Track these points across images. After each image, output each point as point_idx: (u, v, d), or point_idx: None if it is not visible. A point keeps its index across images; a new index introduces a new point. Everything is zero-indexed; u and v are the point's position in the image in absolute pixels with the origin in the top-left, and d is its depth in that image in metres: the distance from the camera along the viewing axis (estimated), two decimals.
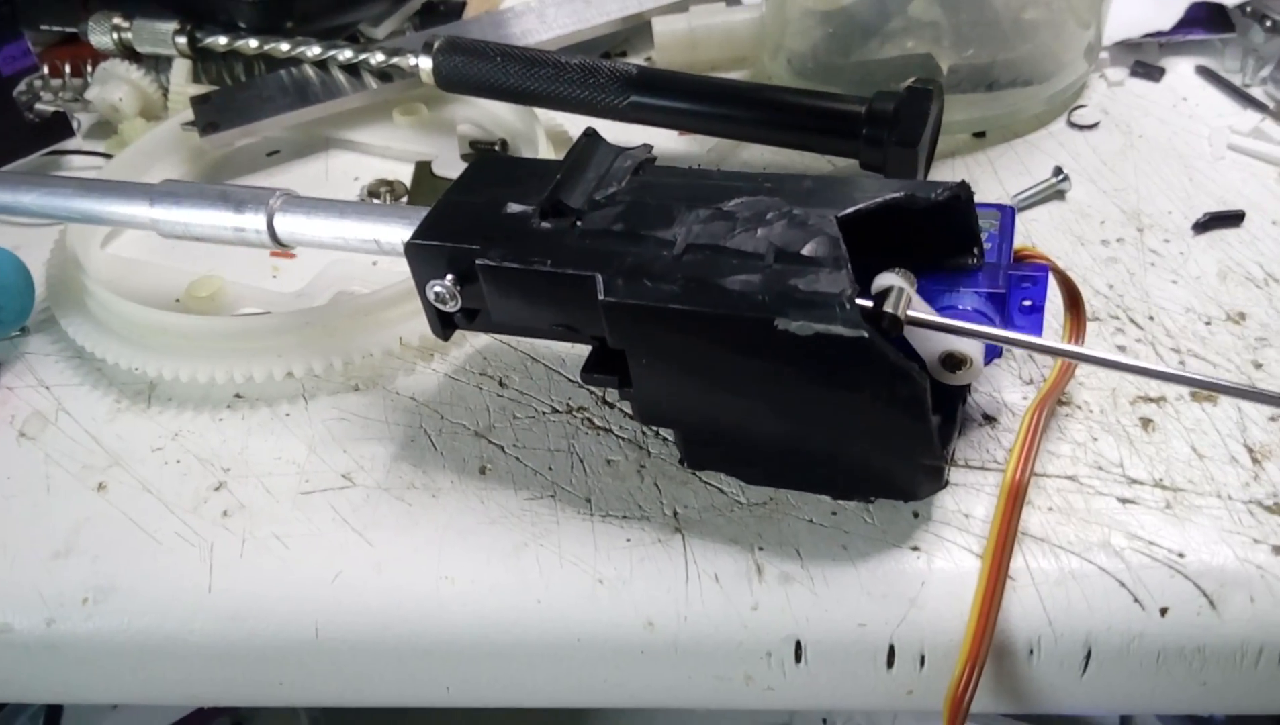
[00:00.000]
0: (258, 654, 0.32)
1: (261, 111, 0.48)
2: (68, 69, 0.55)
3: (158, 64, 0.53)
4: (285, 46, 0.50)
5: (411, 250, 0.31)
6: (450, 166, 0.47)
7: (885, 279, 0.27)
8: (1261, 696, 0.30)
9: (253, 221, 0.35)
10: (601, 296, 0.28)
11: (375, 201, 0.46)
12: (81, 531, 0.34)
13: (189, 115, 0.49)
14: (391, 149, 0.50)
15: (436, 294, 0.31)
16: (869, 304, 0.27)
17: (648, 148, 0.33)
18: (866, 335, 0.26)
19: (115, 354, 0.38)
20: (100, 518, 0.34)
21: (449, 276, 0.31)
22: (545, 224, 0.30)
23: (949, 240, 0.31)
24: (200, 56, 0.52)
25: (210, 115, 0.48)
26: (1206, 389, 0.30)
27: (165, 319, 0.37)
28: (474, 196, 0.32)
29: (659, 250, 0.29)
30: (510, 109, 0.48)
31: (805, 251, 0.28)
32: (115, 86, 0.52)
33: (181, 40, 0.51)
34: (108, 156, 0.51)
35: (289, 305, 0.40)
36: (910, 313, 0.27)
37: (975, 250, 0.31)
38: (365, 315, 0.37)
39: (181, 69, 0.52)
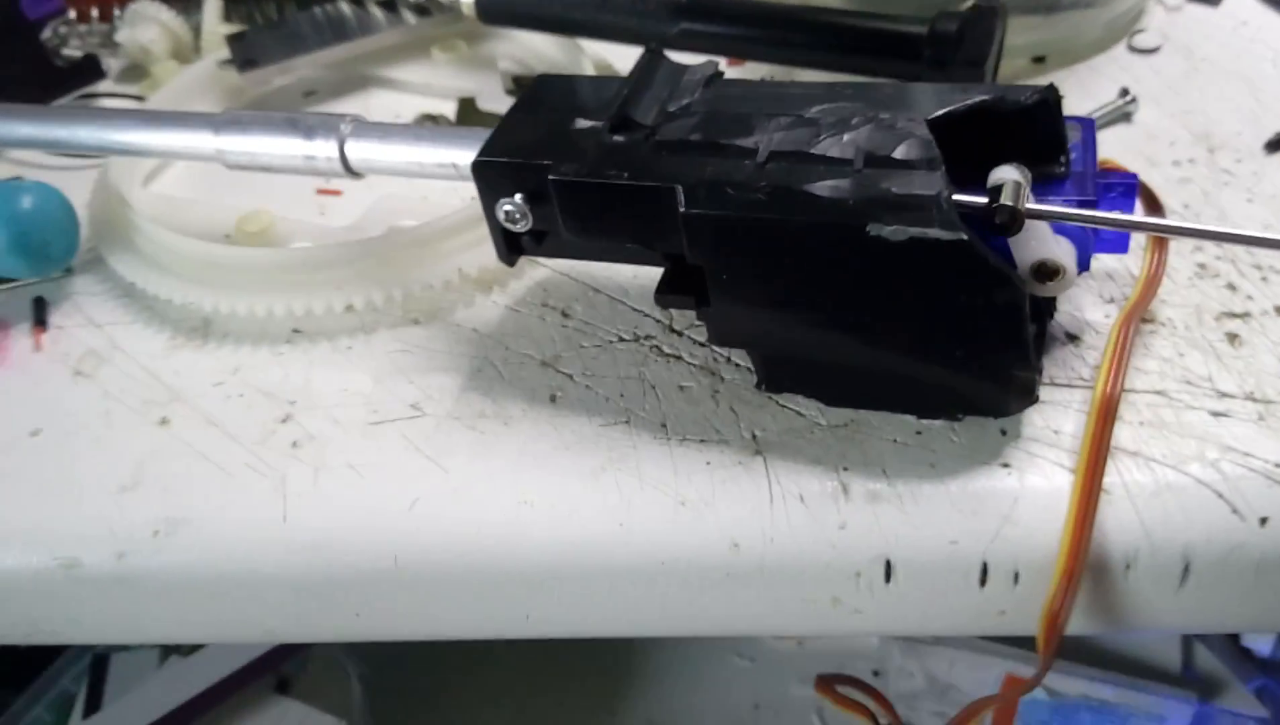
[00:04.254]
0: (335, 584, 0.31)
1: (299, 48, 0.47)
2: (95, 13, 0.54)
3: (187, 5, 0.52)
4: None
5: (479, 168, 0.30)
6: (495, 102, 0.46)
7: (1002, 173, 0.26)
8: None
9: (323, 149, 0.34)
10: (683, 208, 0.28)
11: None
12: (147, 465, 0.33)
13: (224, 54, 0.47)
14: (432, 86, 0.49)
15: (507, 213, 0.30)
16: (982, 200, 0.26)
17: (714, 63, 0.32)
18: (965, 237, 0.25)
19: (169, 290, 0.37)
20: (166, 451, 0.33)
21: (519, 195, 0.30)
22: (617, 138, 0.30)
23: (1034, 148, 0.30)
24: None
25: (248, 52, 0.47)
26: None
27: (222, 252, 0.37)
28: (539, 114, 0.32)
29: (740, 159, 0.28)
30: (553, 43, 0.47)
31: (896, 154, 0.27)
32: (146, 28, 0.50)
33: None
34: (140, 99, 0.50)
35: (341, 239, 0.39)
36: (1030, 206, 0.26)
37: (1062, 158, 0.30)
38: (423, 246, 0.37)
39: (213, 8, 0.51)
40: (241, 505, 0.32)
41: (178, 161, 0.46)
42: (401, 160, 0.34)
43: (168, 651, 0.57)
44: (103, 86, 0.51)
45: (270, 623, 0.33)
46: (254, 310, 0.36)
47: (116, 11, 0.54)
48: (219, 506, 0.32)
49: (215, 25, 0.51)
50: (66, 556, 0.31)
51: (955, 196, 0.27)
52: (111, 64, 0.53)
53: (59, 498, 0.32)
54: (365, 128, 0.34)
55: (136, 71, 0.52)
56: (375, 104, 0.49)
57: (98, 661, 0.58)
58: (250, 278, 0.36)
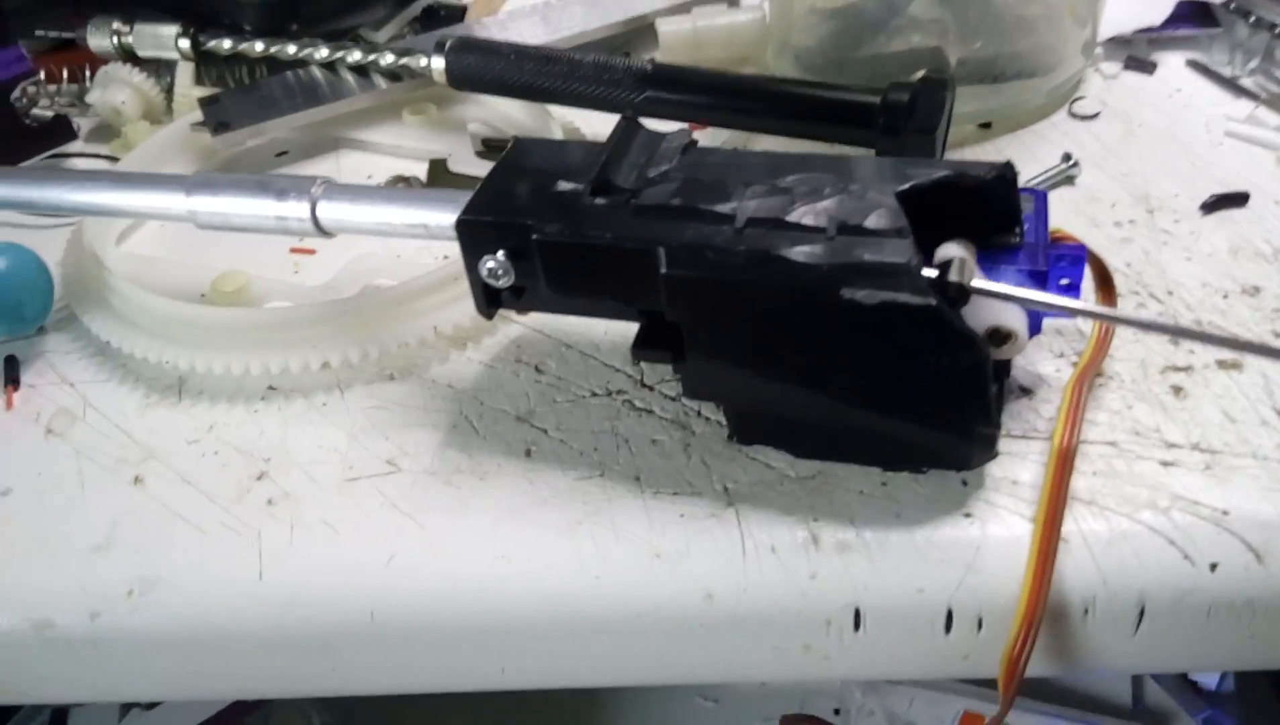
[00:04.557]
0: (312, 641, 0.31)
1: (272, 111, 0.48)
2: (65, 74, 0.55)
3: (158, 67, 0.53)
4: (292, 49, 0.50)
5: (463, 226, 0.31)
6: (465, 163, 0.48)
7: (948, 250, 0.28)
8: None
9: (295, 210, 0.34)
10: (664, 269, 0.29)
11: None
12: (121, 524, 0.33)
13: (196, 116, 0.48)
14: (403, 148, 0.50)
15: (490, 270, 0.31)
16: (934, 274, 0.27)
17: (688, 132, 0.34)
18: (934, 303, 0.27)
19: (144, 349, 0.37)
20: (140, 510, 0.34)
21: (501, 252, 0.31)
22: (599, 200, 0.31)
23: (990, 220, 0.32)
24: (202, 60, 0.52)
25: (221, 115, 0.48)
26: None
27: (198, 312, 0.37)
28: (519, 176, 0.33)
29: (719, 224, 0.29)
30: (521, 107, 0.48)
31: (867, 223, 0.28)
32: (118, 90, 0.51)
33: (185, 44, 0.51)
34: (113, 159, 0.50)
35: (316, 298, 0.40)
36: (975, 282, 0.27)
37: (1016, 229, 0.32)
38: (399, 305, 0.37)
39: (185, 72, 0.52)
40: (217, 563, 0.32)
41: (150, 221, 0.46)
42: (372, 220, 0.34)
43: (128, 705, 0.56)
44: (74, 146, 0.51)
45: (246, 680, 0.33)
46: (229, 369, 0.37)
47: (86, 73, 0.55)
48: (194, 565, 0.32)
49: (188, 88, 0.52)
50: (39, 617, 0.31)
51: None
52: (82, 124, 0.53)
53: (31, 558, 0.32)
54: (336, 190, 0.35)
55: (107, 132, 0.53)
56: (347, 164, 0.50)
57: (57, 715, 0.57)
58: (226, 337, 0.37)
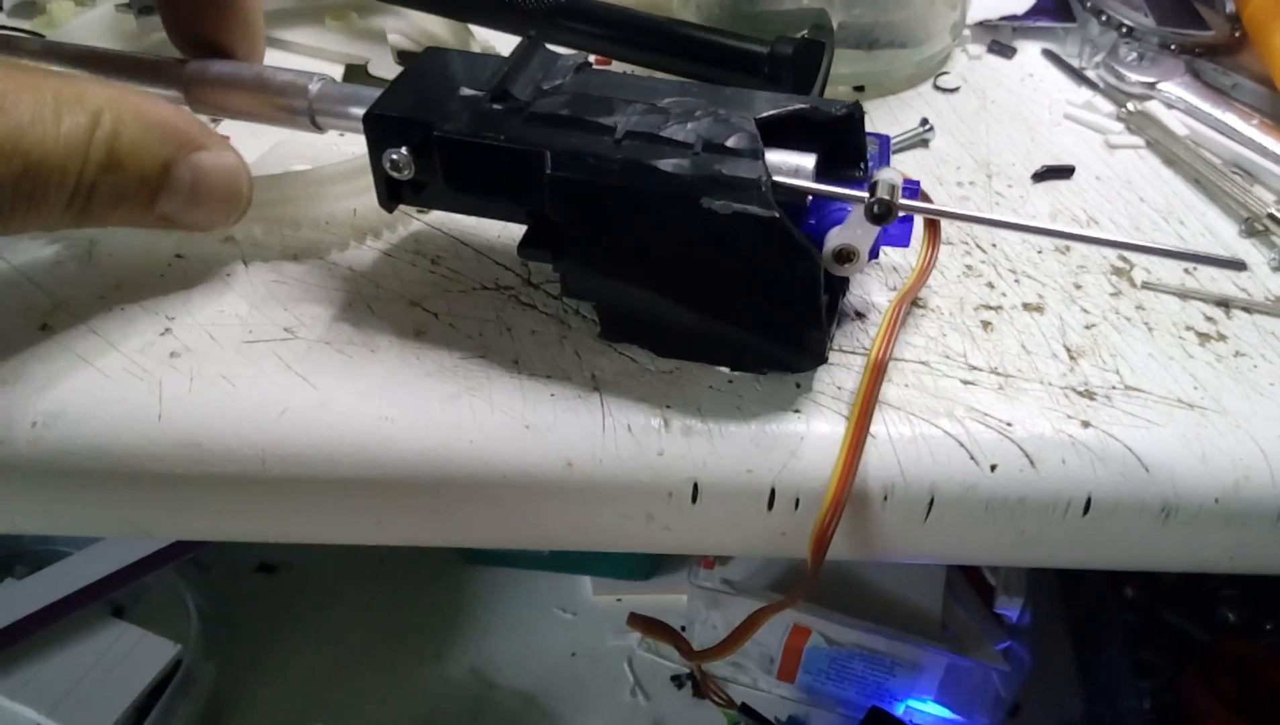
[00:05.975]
0: (204, 481, 0.34)
1: None
2: None
3: None
4: None
5: (371, 120, 0.34)
6: (385, 70, 0.50)
7: (883, 173, 0.32)
8: (1067, 546, 0.36)
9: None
10: (549, 171, 0.33)
11: None
12: (29, 364, 0.35)
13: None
14: (322, 50, 0.52)
15: (392, 161, 0.34)
16: (863, 193, 0.32)
17: (584, 54, 0.38)
18: (778, 216, 0.31)
19: None
20: (47, 353, 0.36)
21: (404, 147, 0.34)
22: (496, 106, 0.34)
23: (840, 153, 0.36)
24: None
25: None
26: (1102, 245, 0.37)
27: None
28: (428, 80, 0.36)
29: (601, 135, 0.33)
30: (441, 23, 0.51)
31: (729, 143, 0.33)
32: None
33: None
34: (38, 35, 0.51)
35: None
36: (901, 201, 0.32)
37: (861, 164, 0.37)
38: (308, 188, 0.40)
39: None
40: (118, 404, 0.34)
41: None
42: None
43: (2, 575, 0.58)
44: None
45: (141, 516, 0.35)
46: (139, 234, 0.39)
47: None
48: (97, 403, 0.34)
49: None
50: None
51: (835, 188, 0.33)
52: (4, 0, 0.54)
53: None
54: (332, 85, 0.38)
55: (29, 9, 0.54)
56: (266, 60, 0.52)
57: None
58: None
